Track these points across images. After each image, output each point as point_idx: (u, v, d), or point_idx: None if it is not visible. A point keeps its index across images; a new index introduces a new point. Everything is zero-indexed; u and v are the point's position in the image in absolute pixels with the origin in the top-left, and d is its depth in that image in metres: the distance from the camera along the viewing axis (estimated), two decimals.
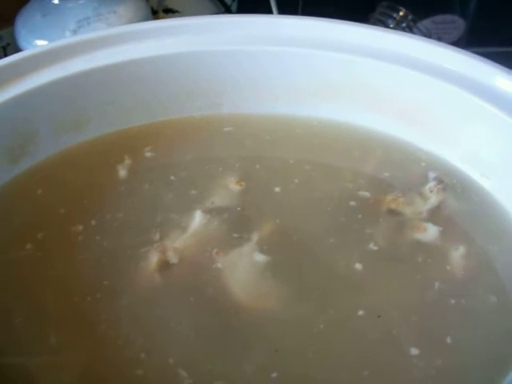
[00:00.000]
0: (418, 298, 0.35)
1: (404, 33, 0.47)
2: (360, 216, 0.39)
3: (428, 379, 0.31)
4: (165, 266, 0.36)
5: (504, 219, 0.39)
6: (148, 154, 0.44)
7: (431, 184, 0.41)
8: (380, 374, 0.31)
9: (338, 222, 0.39)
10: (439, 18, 0.72)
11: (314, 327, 0.33)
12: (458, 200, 0.41)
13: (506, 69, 0.41)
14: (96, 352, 0.32)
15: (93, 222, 0.39)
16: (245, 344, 0.33)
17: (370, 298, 0.35)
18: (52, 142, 0.43)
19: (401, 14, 0.67)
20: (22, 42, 0.60)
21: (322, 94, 0.47)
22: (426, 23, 0.71)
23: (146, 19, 0.59)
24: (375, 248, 0.37)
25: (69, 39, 0.46)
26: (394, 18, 0.67)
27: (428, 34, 0.67)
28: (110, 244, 0.38)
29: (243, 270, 0.36)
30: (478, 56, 0.42)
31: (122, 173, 0.42)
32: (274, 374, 0.31)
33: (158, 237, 0.38)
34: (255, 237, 0.38)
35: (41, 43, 0.58)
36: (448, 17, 0.72)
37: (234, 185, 0.41)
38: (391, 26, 0.67)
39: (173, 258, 0.36)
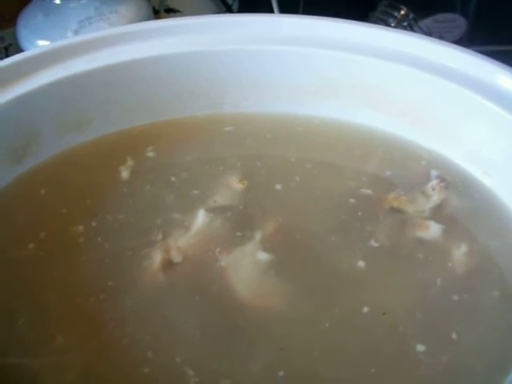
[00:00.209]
0: (421, 295, 0.35)
1: (405, 31, 0.47)
2: (362, 214, 0.39)
3: (435, 375, 0.31)
4: (168, 265, 0.36)
5: (506, 216, 0.39)
6: (150, 154, 0.44)
7: (433, 182, 0.41)
8: (387, 371, 0.32)
9: (340, 220, 0.39)
10: (440, 16, 0.72)
11: (319, 325, 0.33)
12: (460, 198, 0.41)
13: (508, 67, 0.41)
14: (102, 351, 0.32)
15: (95, 223, 0.39)
16: (250, 343, 0.33)
17: (374, 296, 0.35)
18: (54, 142, 0.43)
19: (402, 12, 0.67)
20: (23, 43, 0.60)
21: (323, 93, 0.47)
22: (427, 22, 0.71)
23: (148, 19, 0.59)
24: (378, 246, 0.37)
25: (70, 39, 0.46)
26: (395, 17, 0.67)
27: (429, 33, 0.67)
28: (112, 244, 0.38)
29: (247, 268, 0.36)
30: (479, 54, 0.42)
31: (125, 174, 0.42)
32: (281, 373, 0.31)
33: (160, 237, 0.38)
34: (258, 235, 0.38)
35: (43, 43, 0.58)
36: (449, 15, 0.72)
37: (236, 183, 0.41)
38: (392, 24, 0.67)
39: (176, 257, 0.36)
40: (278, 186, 0.41)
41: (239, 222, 0.39)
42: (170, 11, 0.71)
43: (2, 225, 0.39)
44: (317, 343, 0.33)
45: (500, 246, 0.38)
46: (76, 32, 0.57)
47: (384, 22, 0.67)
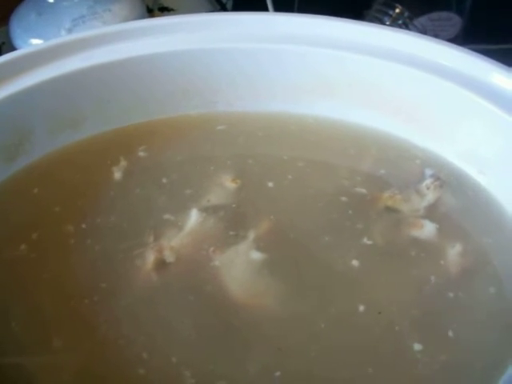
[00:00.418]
0: (417, 294, 0.35)
1: (400, 30, 0.47)
2: (356, 213, 0.39)
3: (433, 374, 0.31)
4: (162, 265, 0.36)
5: (501, 215, 0.39)
6: (143, 154, 0.44)
7: (428, 181, 0.41)
8: (384, 371, 0.32)
9: (333, 219, 0.39)
10: (435, 15, 0.72)
11: (315, 325, 0.33)
12: (455, 197, 0.41)
13: (503, 65, 0.41)
14: (97, 352, 0.32)
15: (87, 224, 0.39)
16: (246, 343, 0.33)
17: (370, 294, 0.35)
18: (48, 140, 0.43)
19: (397, 11, 0.67)
20: (17, 41, 0.60)
21: (318, 92, 0.46)
22: (422, 20, 0.70)
23: (142, 17, 0.59)
24: (372, 244, 0.37)
25: (64, 38, 0.46)
26: (390, 15, 0.67)
27: (424, 31, 0.67)
28: (105, 245, 0.37)
29: (240, 267, 0.36)
30: (474, 52, 0.42)
31: (117, 175, 0.42)
32: (277, 373, 0.31)
33: (153, 237, 0.38)
34: (251, 234, 0.38)
35: (36, 42, 0.58)
36: (444, 14, 0.72)
37: (229, 182, 0.41)
38: (387, 23, 0.67)
39: (170, 257, 0.36)
40: (271, 185, 0.41)
41: (232, 221, 0.38)
42: (164, 10, 0.71)
43: None
44: (313, 343, 0.32)
45: (494, 243, 0.38)
46: (69, 30, 0.57)
47: (379, 21, 0.67)
